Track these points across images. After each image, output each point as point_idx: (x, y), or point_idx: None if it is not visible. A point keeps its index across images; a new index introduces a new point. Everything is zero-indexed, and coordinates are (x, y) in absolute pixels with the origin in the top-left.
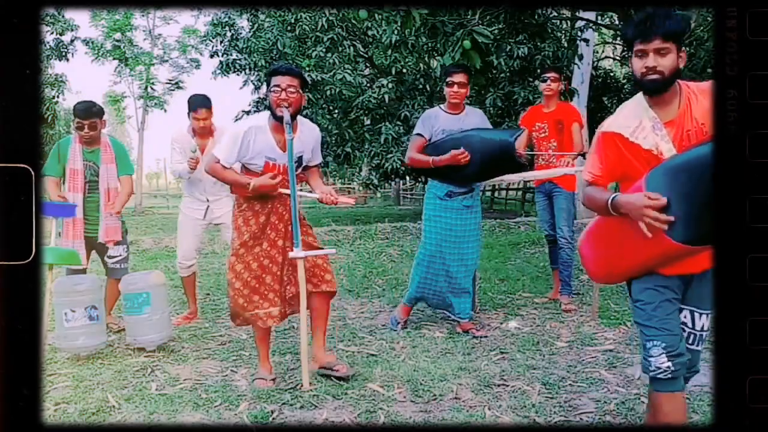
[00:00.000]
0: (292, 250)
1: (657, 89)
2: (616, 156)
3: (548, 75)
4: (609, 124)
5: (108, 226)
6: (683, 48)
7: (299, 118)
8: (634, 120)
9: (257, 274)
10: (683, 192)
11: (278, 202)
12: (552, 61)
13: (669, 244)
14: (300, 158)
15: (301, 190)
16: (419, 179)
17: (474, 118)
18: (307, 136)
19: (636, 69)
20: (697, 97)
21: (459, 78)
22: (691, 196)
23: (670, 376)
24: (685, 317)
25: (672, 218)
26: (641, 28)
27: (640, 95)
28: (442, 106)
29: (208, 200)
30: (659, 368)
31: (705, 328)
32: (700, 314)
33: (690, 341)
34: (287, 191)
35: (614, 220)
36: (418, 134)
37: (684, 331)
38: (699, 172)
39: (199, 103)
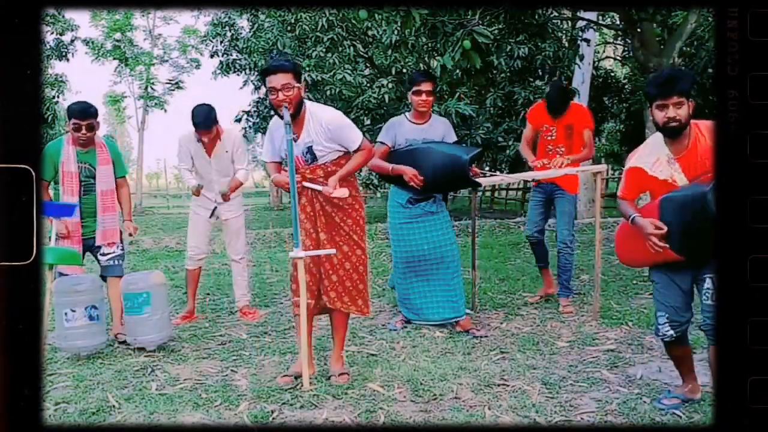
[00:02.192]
0: (327, 244)
1: (676, 133)
2: (641, 182)
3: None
4: (635, 160)
5: (106, 229)
6: (691, 99)
7: (310, 106)
8: (653, 156)
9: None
10: (682, 220)
11: (304, 198)
12: (552, 61)
13: (669, 252)
14: (310, 149)
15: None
16: (384, 185)
17: (439, 129)
18: (314, 125)
19: (658, 118)
20: (704, 136)
21: (426, 86)
22: (687, 223)
23: (673, 340)
24: (707, 284)
25: (667, 246)
26: (661, 88)
27: (659, 135)
28: (407, 114)
29: (216, 201)
30: (665, 335)
31: None
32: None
33: (711, 299)
34: (311, 185)
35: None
36: (381, 142)
37: (708, 293)
38: (693, 207)
39: (201, 126)
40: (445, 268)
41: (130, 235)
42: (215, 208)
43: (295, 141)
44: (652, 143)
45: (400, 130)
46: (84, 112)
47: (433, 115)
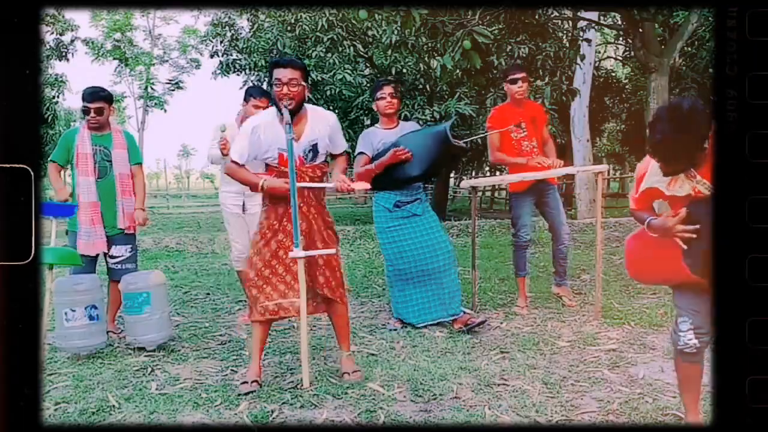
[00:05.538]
0: (311, 245)
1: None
2: (656, 199)
3: (518, 76)
4: (647, 179)
5: (126, 211)
6: None
7: (310, 107)
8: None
9: (271, 264)
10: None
11: (299, 199)
12: (553, 61)
13: (687, 273)
14: (315, 146)
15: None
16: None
17: (407, 130)
18: (319, 123)
19: None
20: None
21: (388, 90)
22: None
23: (695, 351)
24: None
25: (697, 227)
26: None
27: None
28: (377, 124)
29: (243, 194)
30: (687, 344)
31: None
32: None
33: None
34: (305, 185)
35: (649, 240)
36: (361, 152)
37: None
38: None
39: (261, 92)
40: (440, 270)
41: (141, 224)
42: (243, 202)
43: (296, 141)
44: None
45: (375, 138)
46: (93, 95)
47: (401, 122)
